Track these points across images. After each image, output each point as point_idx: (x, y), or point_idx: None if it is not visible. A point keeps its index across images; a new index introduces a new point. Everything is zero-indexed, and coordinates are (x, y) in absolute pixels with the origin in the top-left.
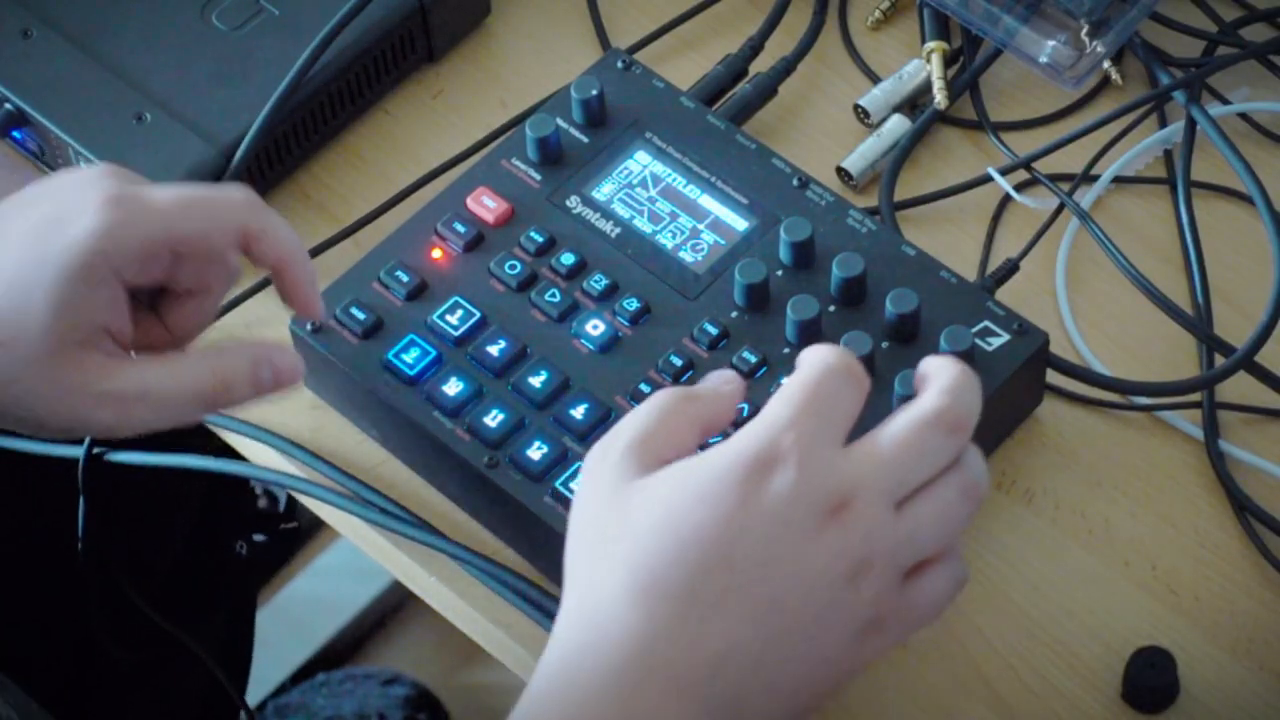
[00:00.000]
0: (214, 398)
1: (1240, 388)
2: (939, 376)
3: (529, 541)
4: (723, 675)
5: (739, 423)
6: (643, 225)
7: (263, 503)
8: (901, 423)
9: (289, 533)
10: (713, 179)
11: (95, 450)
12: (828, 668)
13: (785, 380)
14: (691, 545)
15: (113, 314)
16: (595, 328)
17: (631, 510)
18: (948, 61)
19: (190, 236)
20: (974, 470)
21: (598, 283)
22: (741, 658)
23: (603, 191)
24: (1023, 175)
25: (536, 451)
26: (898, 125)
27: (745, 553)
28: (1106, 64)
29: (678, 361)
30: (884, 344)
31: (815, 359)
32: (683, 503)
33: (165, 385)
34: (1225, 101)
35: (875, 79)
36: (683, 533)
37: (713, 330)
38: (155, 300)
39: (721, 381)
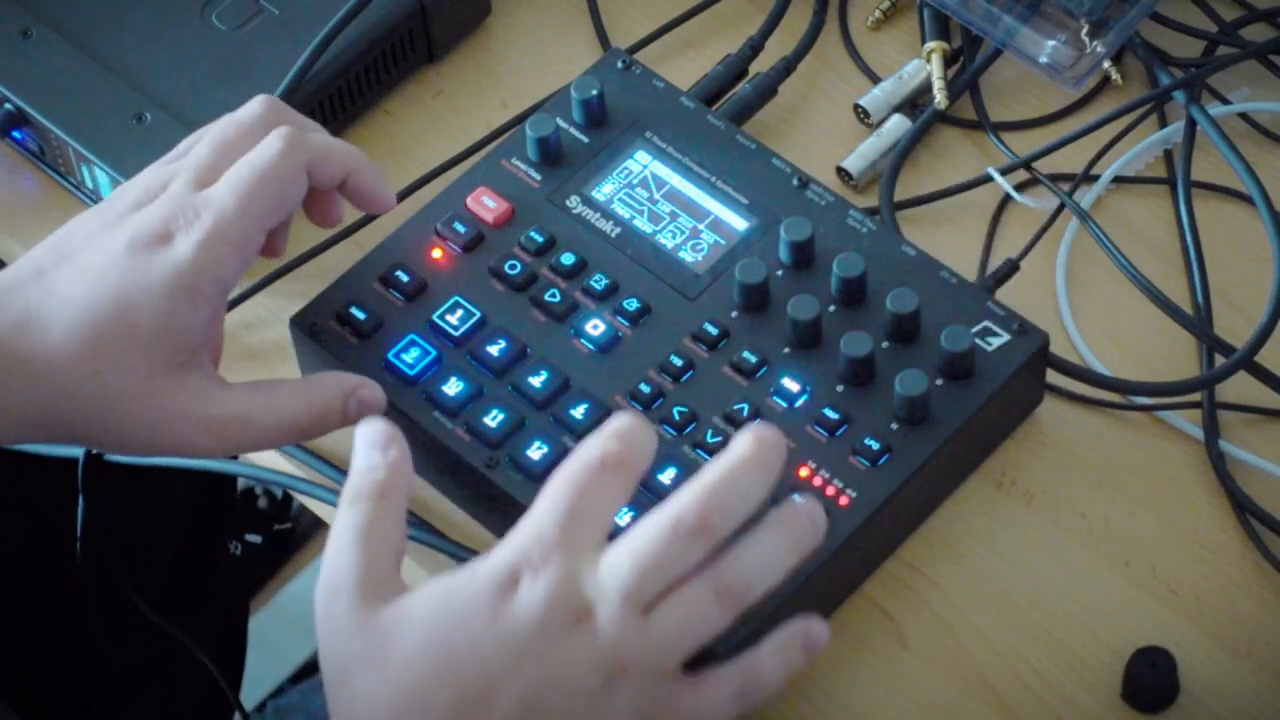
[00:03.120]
0: (308, 428)
1: (1240, 388)
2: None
3: None
4: None
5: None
6: (643, 225)
7: (263, 503)
8: (640, 529)
9: (283, 534)
10: (713, 179)
11: (94, 450)
12: None
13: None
14: (449, 667)
15: (211, 331)
16: (595, 328)
17: (391, 635)
18: (948, 61)
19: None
20: (734, 570)
21: (598, 282)
22: None
23: (603, 191)
24: (1023, 175)
25: (536, 451)
26: (898, 125)
27: (500, 666)
28: (1106, 64)
29: (678, 361)
30: (884, 344)
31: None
32: (439, 625)
33: (264, 414)
34: (1225, 101)
35: (875, 79)
36: (441, 655)
37: (713, 330)
38: None
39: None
